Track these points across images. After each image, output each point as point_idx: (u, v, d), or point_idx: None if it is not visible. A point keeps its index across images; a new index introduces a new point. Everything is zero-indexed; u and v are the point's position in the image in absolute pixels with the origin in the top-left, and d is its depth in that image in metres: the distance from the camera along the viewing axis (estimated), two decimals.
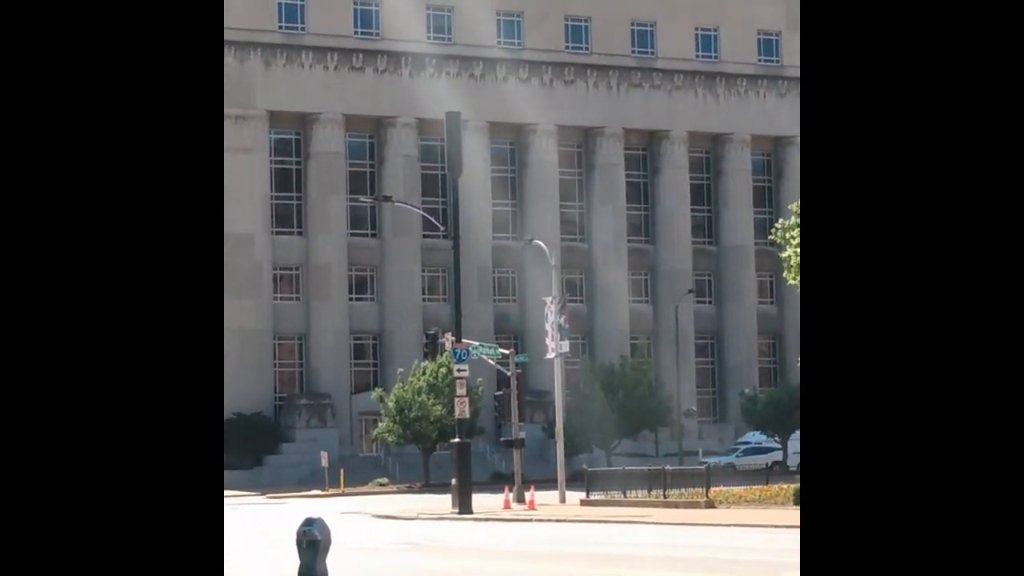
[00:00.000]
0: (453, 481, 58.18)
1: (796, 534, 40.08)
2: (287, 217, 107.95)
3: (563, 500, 61.78)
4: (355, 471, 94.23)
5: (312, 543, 19.06)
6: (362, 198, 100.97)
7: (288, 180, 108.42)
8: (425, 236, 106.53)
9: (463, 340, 61.62)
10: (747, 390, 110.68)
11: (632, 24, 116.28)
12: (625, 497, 57.79)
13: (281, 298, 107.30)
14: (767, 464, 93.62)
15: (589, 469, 64.94)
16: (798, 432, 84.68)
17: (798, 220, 54.56)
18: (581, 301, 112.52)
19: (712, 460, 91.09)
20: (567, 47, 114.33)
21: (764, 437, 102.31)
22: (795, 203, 56.64)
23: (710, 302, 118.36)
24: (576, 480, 66.20)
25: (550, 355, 65.16)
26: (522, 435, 66.85)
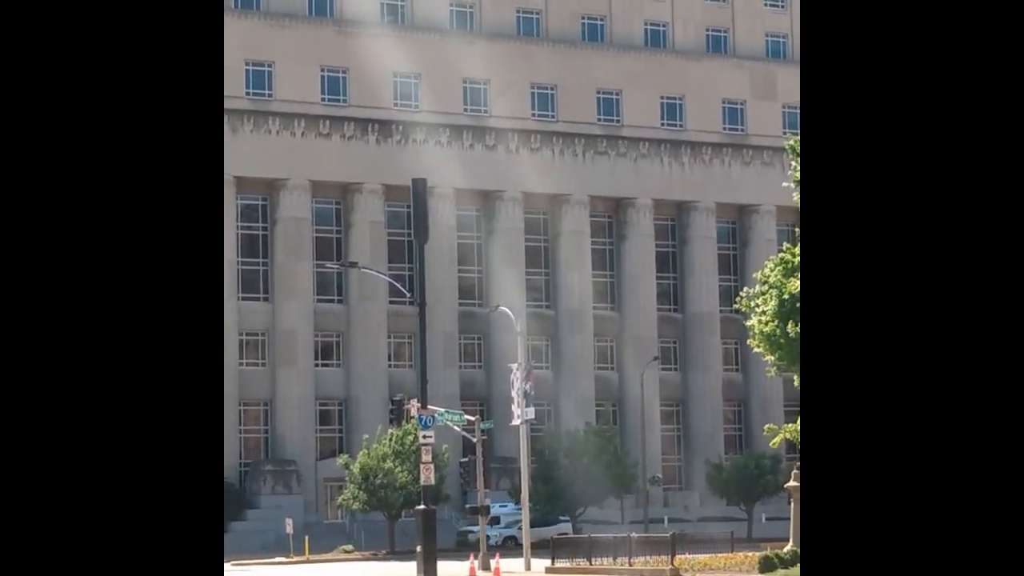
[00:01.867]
0: (418, 548, 58.00)
1: None
2: (253, 282, 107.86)
3: (528, 567, 61.63)
4: (320, 538, 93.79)
5: None
6: (328, 264, 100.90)
7: (254, 246, 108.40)
8: (391, 302, 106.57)
9: (429, 407, 61.59)
10: (712, 458, 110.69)
11: (598, 92, 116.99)
12: (591, 564, 57.69)
13: (247, 364, 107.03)
14: (551, 536, 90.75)
15: (555, 536, 64.82)
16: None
17: (762, 289, 54.89)
18: (547, 368, 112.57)
19: (495, 531, 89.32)
20: (534, 114, 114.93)
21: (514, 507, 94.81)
22: (759, 271, 56.99)
23: (676, 369, 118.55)
24: (542, 547, 66.04)
25: (516, 422, 65.18)
26: (487, 502, 66.72)
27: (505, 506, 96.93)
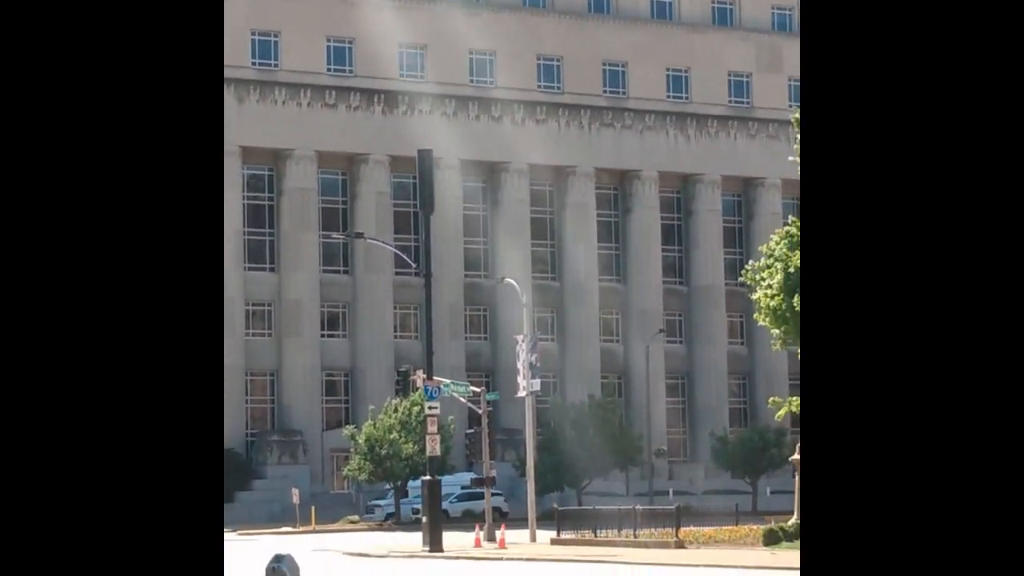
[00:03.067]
0: (424, 519, 58.21)
1: (765, 574, 40.16)
2: (259, 253, 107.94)
3: (534, 539, 61.80)
4: (326, 508, 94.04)
5: None
6: (335, 234, 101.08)
7: (260, 216, 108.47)
8: (397, 273, 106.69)
9: (435, 378, 61.75)
10: (717, 431, 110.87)
11: (604, 64, 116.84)
12: (596, 536, 57.85)
13: (253, 334, 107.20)
14: (501, 511, 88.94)
15: (560, 508, 65.00)
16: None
17: (767, 262, 54.95)
18: (552, 339, 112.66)
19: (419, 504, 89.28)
20: (540, 86, 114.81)
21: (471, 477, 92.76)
22: (765, 244, 57.02)
23: (681, 342, 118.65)
24: (547, 519, 66.23)
25: (521, 393, 65.29)
26: (493, 473, 66.91)
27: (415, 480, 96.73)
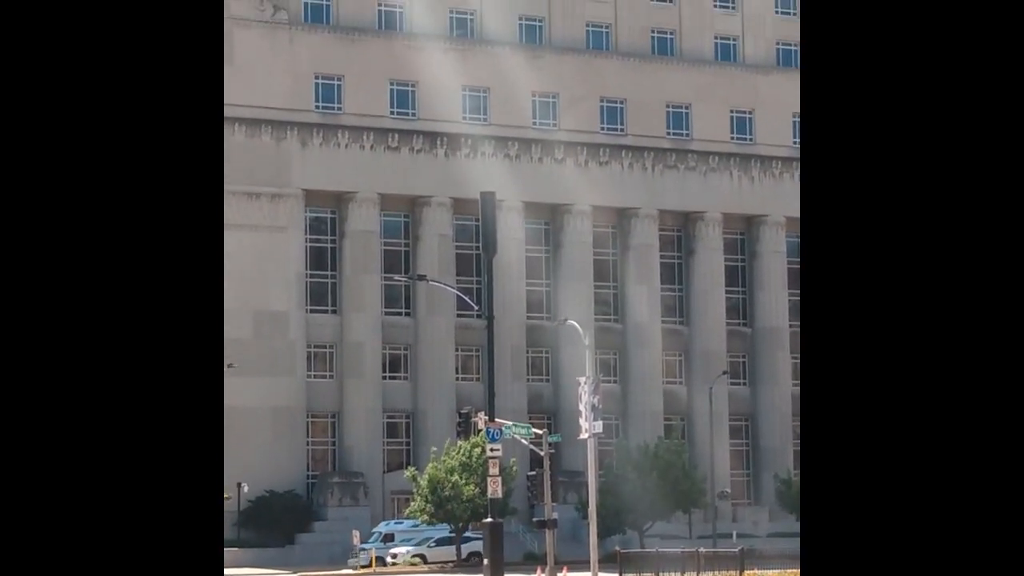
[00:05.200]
0: (485, 561, 57.89)
1: None
2: (322, 295, 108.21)
3: None
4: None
5: None
6: (397, 277, 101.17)
7: (323, 258, 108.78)
8: (459, 315, 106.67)
9: (496, 420, 61.49)
10: (781, 473, 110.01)
11: (667, 106, 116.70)
12: None
13: (315, 376, 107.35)
14: (466, 557, 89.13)
15: (622, 551, 64.50)
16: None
17: None
18: (615, 381, 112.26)
19: (401, 549, 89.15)
20: (603, 128, 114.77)
21: (432, 525, 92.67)
22: None
23: (744, 383, 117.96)
24: (609, 561, 65.74)
25: (583, 435, 64.86)
26: (555, 515, 66.46)
27: (400, 523, 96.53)
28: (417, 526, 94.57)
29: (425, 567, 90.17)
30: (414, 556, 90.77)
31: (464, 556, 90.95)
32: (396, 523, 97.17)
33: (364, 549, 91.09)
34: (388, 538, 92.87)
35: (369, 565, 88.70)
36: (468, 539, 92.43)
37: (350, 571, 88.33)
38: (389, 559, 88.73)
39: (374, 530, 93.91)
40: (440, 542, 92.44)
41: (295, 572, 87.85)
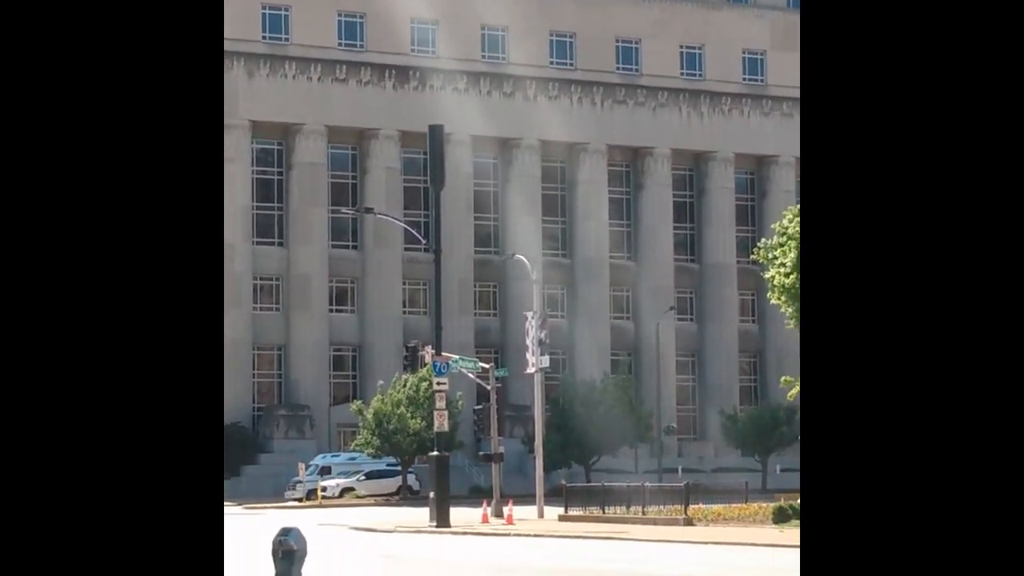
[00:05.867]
0: (431, 494, 57.95)
1: (774, 552, 39.85)
2: (268, 228, 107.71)
3: (541, 515, 61.51)
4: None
5: (288, 553, 18.85)
6: (344, 210, 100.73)
7: (269, 191, 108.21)
8: (407, 249, 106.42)
9: (443, 353, 61.43)
10: (727, 408, 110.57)
11: (617, 40, 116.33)
12: (604, 513, 57.55)
13: (261, 308, 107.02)
14: (395, 491, 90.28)
15: (568, 485, 64.69)
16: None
17: (780, 240, 54.50)
18: (563, 316, 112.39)
19: (332, 482, 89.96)
20: (552, 62, 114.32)
21: (388, 460, 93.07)
22: (778, 222, 56.57)
23: (692, 320, 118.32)
24: (555, 495, 65.96)
25: (530, 370, 64.94)
26: (501, 449, 66.62)
27: (337, 456, 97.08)
28: (354, 459, 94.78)
29: (370, 500, 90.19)
30: (344, 490, 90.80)
31: (394, 490, 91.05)
32: (333, 456, 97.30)
33: (300, 482, 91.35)
34: (325, 471, 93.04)
35: (308, 496, 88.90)
36: (397, 472, 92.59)
37: (294, 502, 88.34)
38: (319, 492, 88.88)
39: (310, 463, 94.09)
40: (370, 475, 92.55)
41: (241, 503, 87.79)
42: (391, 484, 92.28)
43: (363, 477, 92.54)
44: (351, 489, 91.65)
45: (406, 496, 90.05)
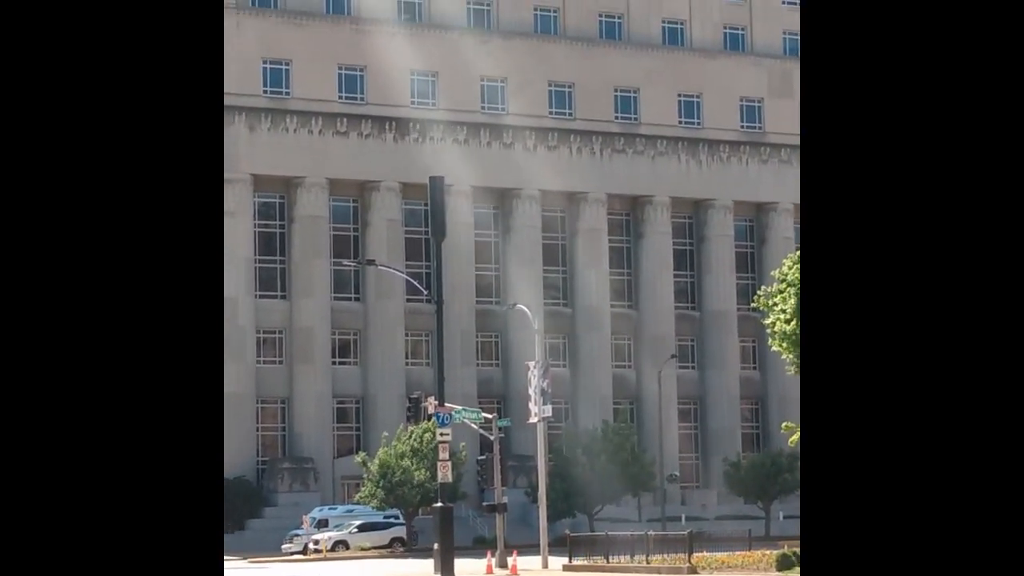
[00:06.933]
0: (435, 546, 57.99)
1: None
2: (270, 281, 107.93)
3: (546, 565, 61.56)
4: None
5: None
6: (345, 262, 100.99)
7: (272, 244, 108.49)
8: (409, 300, 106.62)
9: (446, 404, 61.58)
10: (730, 456, 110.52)
11: (615, 90, 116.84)
12: (608, 562, 57.62)
13: (264, 362, 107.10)
14: (387, 543, 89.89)
15: (572, 534, 64.73)
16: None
17: (780, 287, 54.78)
18: (564, 366, 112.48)
19: (324, 535, 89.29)
20: (551, 112, 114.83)
21: (381, 511, 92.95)
22: (777, 269, 56.87)
23: (693, 367, 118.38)
24: (559, 545, 65.99)
25: (533, 419, 65.11)
26: (505, 499, 66.69)
27: (334, 508, 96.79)
28: (351, 511, 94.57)
29: (375, 552, 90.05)
30: (336, 543, 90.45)
31: (387, 543, 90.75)
32: (330, 508, 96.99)
33: (297, 535, 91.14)
34: (322, 523, 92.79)
35: (303, 551, 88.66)
36: (390, 524, 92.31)
37: (299, 555, 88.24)
38: (311, 546, 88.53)
39: (308, 515, 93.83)
40: (363, 527, 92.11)
41: (245, 557, 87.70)
42: (384, 536, 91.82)
43: (355, 529, 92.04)
44: (343, 542, 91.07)
45: (397, 549, 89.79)
